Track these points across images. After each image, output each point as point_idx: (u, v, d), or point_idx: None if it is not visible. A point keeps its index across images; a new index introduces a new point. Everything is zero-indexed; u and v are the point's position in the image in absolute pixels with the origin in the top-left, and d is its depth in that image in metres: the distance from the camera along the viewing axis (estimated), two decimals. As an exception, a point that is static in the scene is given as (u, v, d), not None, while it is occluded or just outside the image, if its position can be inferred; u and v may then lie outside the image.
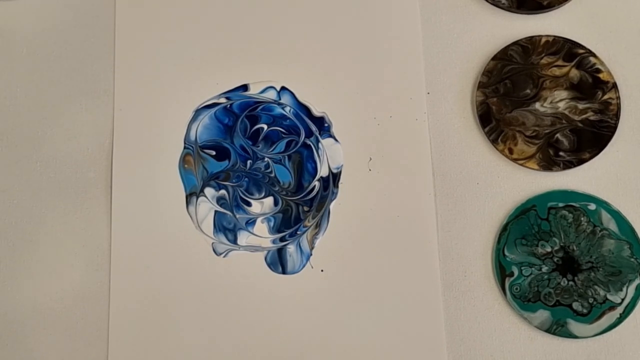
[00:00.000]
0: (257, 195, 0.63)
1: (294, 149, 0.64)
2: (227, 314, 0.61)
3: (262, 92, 0.65)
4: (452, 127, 0.64)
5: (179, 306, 0.61)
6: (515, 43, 0.64)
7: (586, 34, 0.65)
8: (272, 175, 0.63)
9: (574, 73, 0.63)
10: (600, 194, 0.62)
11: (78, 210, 0.64)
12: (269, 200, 0.63)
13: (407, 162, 0.63)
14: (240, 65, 0.65)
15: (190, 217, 0.63)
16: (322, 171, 0.63)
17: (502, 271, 0.60)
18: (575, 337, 0.59)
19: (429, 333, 0.60)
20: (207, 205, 0.63)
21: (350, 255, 0.62)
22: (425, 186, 0.62)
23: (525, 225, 0.61)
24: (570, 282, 0.60)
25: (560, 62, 0.64)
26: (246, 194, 0.63)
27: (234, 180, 0.63)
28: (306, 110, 0.64)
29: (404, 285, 0.61)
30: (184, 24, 0.67)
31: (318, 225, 0.62)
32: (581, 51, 0.64)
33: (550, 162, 0.62)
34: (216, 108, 0.65)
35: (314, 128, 0.64)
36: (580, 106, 0.63)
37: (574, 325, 0.59)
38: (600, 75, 0.63)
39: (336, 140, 0.64)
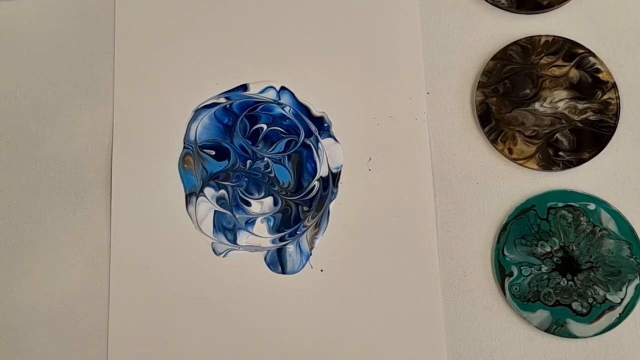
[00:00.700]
0: (256, 195, 0.63)
1: (294, 149, 0.64)
2: (226, 314, 0.61)
3: (262, 92, 0.65)
4: (452, 127, 0.64)
5: (178, 306, 0.61)
6: (515, 43, 0.64)
7: (586, 34, 0.65)
8: (272, 175, 0.63)
9: (574, 73, 0.63)
10: (600, 193, 0.62)
11: (78, 210, 0.64)
12: (269, 200, 0.63)
13: (406, 162, 0.63)
14: (240, 65, 0.65)
15: (190, 217, 0.63)
16: (322, 171, 0.63)
17: (501, 271, 0.60)
18: (575, 337, 0.59)
19: (429, 333, 0.60)
20: (206, 205, 0.63)
21: (350, 255, 0.62)
22: (424, 186, 0.62)
23: (525, 225, 0.61)
24: (570, 282, 0.60)
25: (559, 62, 0.64)
26: (246, 193, 0.63)
27: (233, 180, 0.63)
28: (306, 110, 0.64)
29: (403, 285, 0.61)
30: (184, 24, 0.67)
31: (318, 225, 0.62)
32: (581, 51, 0.64)
33: (549, 162, 0.62)
34: (216, 108, 0.65)
35: (313, 128, 0.64)
36: (580, 106, 0.63)
37: (573, 325, 0.59)
38: (600, 75, 0.63)
39: (336, 140, 0.64)
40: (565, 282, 0.60)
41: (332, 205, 0.63)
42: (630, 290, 0.59)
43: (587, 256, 0.60)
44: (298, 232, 0.62)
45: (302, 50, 0.66)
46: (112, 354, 0.61)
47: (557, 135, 0.62)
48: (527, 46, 0.64)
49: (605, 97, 0.63)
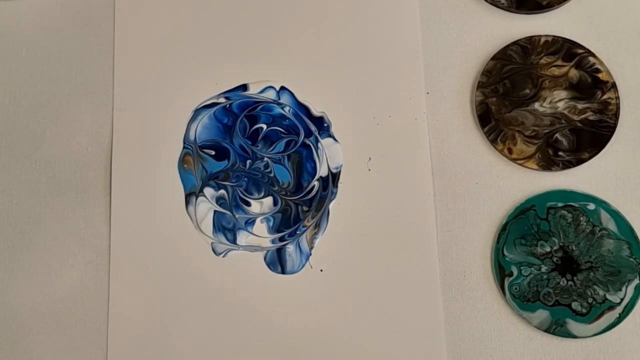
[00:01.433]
0: (256, 195, 0.63)
1: (294, 149, 0.64)
2: (226, 314, 0.61)
3: (262, 92, 0.65)
4: (452, 127, 0.64)
5: (178, 306, 0.61)
6: (515, 43, 0.64)
7: (585, 33, 0.65)
8: (272, 175, 0.63)
9: (573, 73, 0.63)
10: (600, 193, 0.62)
11: (77, 210, 0.64)
12: (269, 200, 0.63)
13: (406, 162, 0.63)
14: (240, 65, 0.65)
15: (190, 217, 0.63)
16: (322, 171, 0.63)
17: (501, 271, 0.60)
18: (575, 337, 0.59)
19: (429, 333, 0.60)
20: (206, 205, 0.63)
21: (349, 255, 0.62)
22: (424, 186, 0.62)
23: (525, 225, 0.61)
24: (570, 282, 0.60)
25: (559, 62, 0.64)
26: (245, 193, 0.63)
27: (233, 180, 0.63)
28: (305, 110, 0.64)
29: (403, 285, 0.61)
30: (183, 24, 0.67)
31: (317, 225, 0.62)
32: (580, 51, 0.64)
33: (549, 162, 0.62)
34: (215, 108, 0.65)
35: (313, 128, 0.64)
36: (580, 106, 0.63)
37: (573, 325, 0.59)
38: (600, 75, 0.63)
39: (335, 140, 0.64)
40: (565, 282, 0.60)
41: (331, 205, 0.63)
42: (630, 290, 0.59)
43: (587, 256, 0.60)
44: (298, 232, 0.62)
45: (301, 50, 0.66)
46: (112, 354, 0.61)
47: (557, 135, 0.62)
48: (526, 46, 0.64)
49: (605, 97, 0.63)
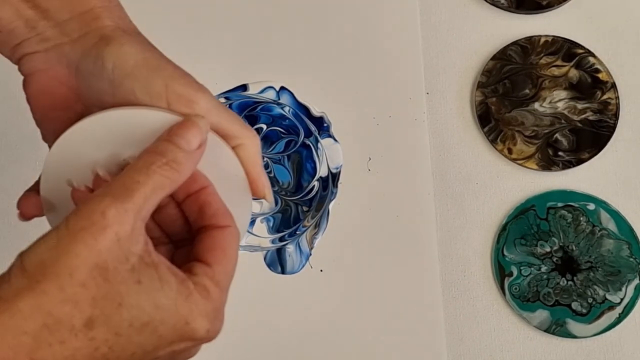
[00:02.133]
0: (256, 195, 0.63)
1: (293, 149, 0.64)
2: (226, 314, 0.61)
3: (261, 92, 0.65)
4: (452, 127, 0.64)
5: (178, 306, 0.61)
6: (515, 43, 0.64)
7: (585, 34, 0.65)
8: (272, 175, 0.63)
9: (573, 73, 0.63)
10: (599, 193, 0.62)
11: (77, 210, 0.64)
12: (268, 200, 0.63)
13: (406, 162, 0.63)
14: (240, 65, 0.65)
15: (190, 217, 0.63)
16: (322, 171, 0.63)
17: (501, 271, 0.60)
18: (575, 337, 0.59)
19: (429, 333, 0.60)
20: (206, 205, 0.63)
21: (349, 255, 0.62)
22: (424, 186, 0.62)
23: (525, 225, 0.61)
24: (570, 282, 0.60)
25: (559, 62, 0.64)
26: (245, 194, 0.63)
27: (233, 180, 0.63)
28: (305, 110, 0.64)
29: (403, 285, 0.61)
30: (183, 24, 0.67)
31: (317, 225, 0.62)
32: (580, 51, 0.64)
33: (549, 162, 0.62)
34: (215, 108, 0.65)
35: (313, 128, 0.64)
36: (579, 106, 0.63)
37: (573, 325, 0.59)
38: (599, 75, 0.63)
39: (335, 140, 0.64)
40: (565, 282, 0.60)
41: (331, 206, 0.63)
42: (630, 290, 0.59)
43: (587, 256, 0.60)
44: (298, 232, 0.62)
45: (301, 50, 0.66)
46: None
47: (557, 135, 0.62)
48: (526, 46, 0.64)
49: (604, 97, 0.63)
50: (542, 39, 0.64)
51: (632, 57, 0.64)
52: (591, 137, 0.62)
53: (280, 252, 0.62)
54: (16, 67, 0.41)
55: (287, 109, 0.64)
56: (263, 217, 0.63)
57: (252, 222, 0.63)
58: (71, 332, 0.31)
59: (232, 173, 0.38)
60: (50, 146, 0.38)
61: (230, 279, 0.37)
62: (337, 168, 0.63)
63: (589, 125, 0.62)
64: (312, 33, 0.66)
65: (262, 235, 0.62)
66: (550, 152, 0.62)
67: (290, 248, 0.62)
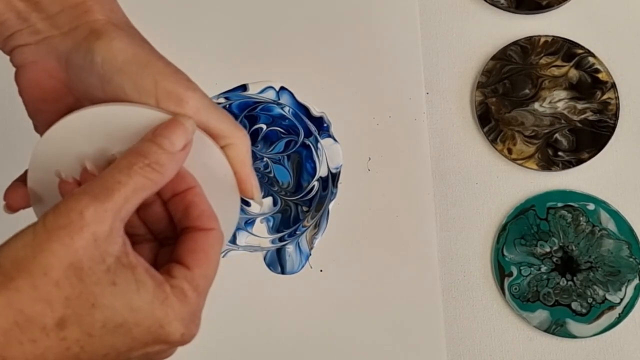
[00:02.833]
0: (256, 195, 0.63)
1: (293, 149, 0.64)
2: (225, 315, 0.61)
3: (261, 92, 0.65)
4: (451, 127, 0.64)
5: (178, 306, 0.61)
6: (514, 43, 0.64)
7: (585, 34, 0.65)
8: (271, 175, 0.63)
9: (573, 73, 0.63)
10: (599, 194, 0.62)
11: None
12: (268, 200, 0.63)
13: (406, 162, 0.63)
14: (239, 65, 0.65)
15: (190, 217, 0.63)
16: (321, 171, 0.63)
17: (501, 271, 0.60)
18: (574, 337, 0.59)
19: (428, 333, 0.60)
20: (206, 206, 0.63)
21: (349, 256, 0.62)
22: (424, 186, 0.62)
23: (524, 225, 0.61)
24: (569, 282, 0.60)
25: (559, 62, 0.64)
26: (245, 194, 0.63)
27: (233, 181, 0.63)
28: (305, 110, 0.64)
29: (403, 285, 0.61)
30: (183, 24, 0.67)
31: (317, 225, 0.62)
32: (580, 51, 0.64)
33: (549, 162, 0.62)
34: (215, 108, 0.64)
35: (313, 128, 0.64)
36: (579, 106, 0.63)
37: (573, 325, 0.59)
38: (599, 75, 0.63)
39: (335, 140, 0.64)
40: (565, 282, 0.60)
41: (331, 206, 0.63)
42: (630, 290, 0.59)
43: (587, 256, 0.60)
44: (297, 232, 0.62)
45: (301, 50, 0.66)
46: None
47: (557, 135, 0.62)
48: (526, 46, 0.64)
49: (604, 97, 0.63)
50: (542, 39, 0.64)
51: (632, 57, 0.64)
52: (591, 137, 0.62)
53: (280, 252, 0.62)
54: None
55: (287, 109, 0.64)
56: (263, 217, 0.63)
57: (252, 222, 0.63)
58: (42, 331, 0.31)
59: (221, 173, 0.37)
60: None
61: (209, 283, 0.36)
62: (337, 168, 0.63)
63: (589, 125, 0.62)
64: (312, 33, 0.66)
65: (262, 236, 0.62)
66: (550, 152, 0.62)
67: (290, 248, 0.62)
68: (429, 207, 0.62)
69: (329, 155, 0.64)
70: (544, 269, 0.60)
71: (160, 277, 0.34)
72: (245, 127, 0.64)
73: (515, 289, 0.60)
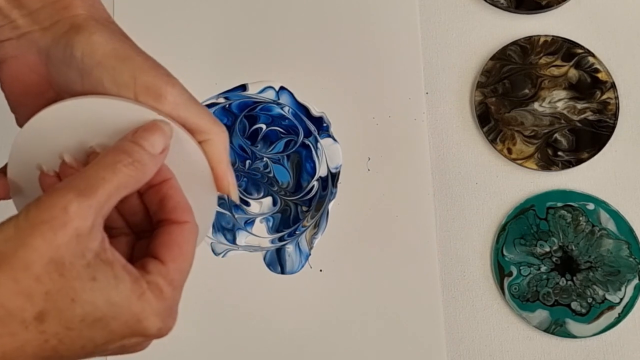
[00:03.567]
0: (255, 195, 0.63)
1: (293, 149, 0.64)
2: (225, 314, 0.61)
3: (261, 92, 0.65)
4: (451, 127, 0.64)
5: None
6: (514, 43, 0.64)
7: (585, 33, 0.65)
8: (271, 175, 0.63)
9: (573, 73, 0.63)
10: (599, 193, 0.62)
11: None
12: (268, 200, 0.63)
13: (405, 162, 0.63)
14: (239, 65, 0.65)
15: (189, 217, 0.63)
16: (321, 171, 0.63)
17: (500, 271, 0.60)
18: (574, 336, 0.59)
19: (428, 333, 0.60)
20: (206, 205, 0.63)
21: (349, 255, 0.62)
22: (424, 186, 0.62)
23: (524, 225, 0.61)
24: (569, 282, 0.60)
25: (558, 62, 0.64)
26: (245, 193, 0.63)
27: (232, 180, 0.63)
28: (305, 110, 0.64)
29: (403, 285, 0.61)
30: (183, 24, 0.67)
31: (317, 225, 0.62)
32: (579, 51, 0.64)
33: (548, 161, 0.62)
34: (215, 108, 0.65)
35: (312, 128, 0.64)
36: (579, 106, 0.63)
37: (572, 325, 0.59)
38: (599, 75, 0.63)
39: (335, 140, 0.64)
40: (565, 282, 0.60)
41: (331, 205, 0.63)
42: (630, 290, 0.59)
43: (586, 256, 0.60)
44: (297, 232, 0.62)
45: (301, 50, 0.66)
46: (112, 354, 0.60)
47: (556, 135, 0.62)
48: (526, 46, 0.64)
49: (604, 97, 0.63)
50: (542, 39, 0.64)
51: (632, 57, 0.65)
52: (591, 137, 0.62)
53: (279, 252, 0.62)
54: None
55: (286, 109, 0.64)
56: (262, 217, 0.63)
57: (252, 222, 0.63)
58: (22, 324, 0.31)
59: (198, 168, 0.38)
60: None
61: (185, 277, 0.37)
62: (336, 168, 0.63)
63: (589, 125, 0.62)
64: (311, 33, 0.66)
65: (262, 235, 0.62)
66: (550, 152, 0.62)
67: (290, 248, 0.62)
68: (429, 207, 0.62)
69: (329, 155, 0.64)
70: (543, 268, 0.60)
71: (136, 273, 0.34)
72: (244, 127, 0.64)
73: (515, 288, 0.60)
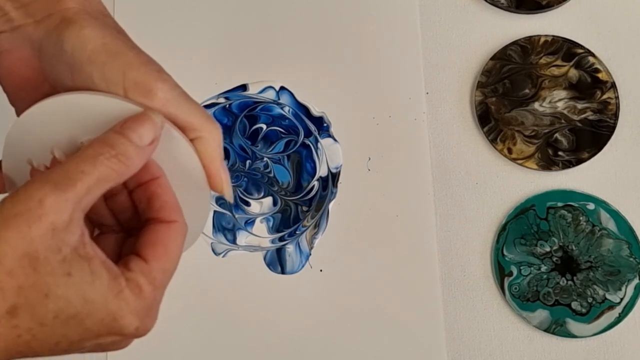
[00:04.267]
0: (256, 195, 0.63)
1: (293, 149, 0.64)
2: (226, 314, 0.61)
3: (261, 92, 0.65)
4: (451, 126, 0.64)
5: (177, 306, 0.61)
6: (514, 43, 0.64)
7: (585, 33, 0.65)
8: (271, 175, 0.63)
9: (573, 73, 0.63)
10: (599, 193, 0.62)
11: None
12: (268, 200, 0.63)
13: (406, 162, 0.63)
14: (239, 65, 0.65)
15: (190, 217, 0.63)
16: (321, 171, 0.63)
17: (501, 271, 0.60)
18: (574, 336, 0.59)
19: (429, 332, 0.60)
20: (206, 205, 0.63)
21: (349, 255, 0.62)
22: (424, 186, 0.62)
23: (524, 225, 0.61)
24: (569, 282, 0.60)
25: (559, 62, 0.64)
26: (245, 193, 0.63)
27: (233, 180, 0.63)
28: (305, 110, 0.64)
29: (403, 284, 0.61)
30: (183, 24, 0.67)
31: (317, 225, 0.62)
32: (580, 51, 0.64)
33: (549, 161, 0.62)
34: (215, 108, 0.65)
35: (313, 128, 0.64)
36: (579, 106, 0.63)
37: (572, 325, 0.59)
38: (599, 75, 0.63)
39: (335, 140, 0.64)
40: (565, 281, 0.60)
41: (331, 205, 0.63)
42: (630, 289, 0.59)
43: (587, 256, 0.60)
44: (297, 232, 0.62)
45: (301, 50, 0.66)
46: (112, 353, 0.60)
47: (557, 135, 0.62)
48: (526, 46, 0.64)
49: (604, 96, 0.63)
50: (542, 39, 0.64)
51: (632, 57, 0.65)
52: (591, 136, 0.62)
53: (280, 252, 0.62)
54: None
55: (286, 108, 0.64)
56: (263, 217, 0.63)
57: (252, 222, 0.63)
58: None
59: (190, 167, 0.37)
60: None
61: (168, 277, 0.35)
62: (336, 168, 0.63)
63: (589, 125, 0.62)
64: (312, 33, 0.66)
65: (262, 235, 0.62)
66: (550, 151, 0.62)
67: (290, 248, 0.62)
68: (429, 207, 0.62)
69: (329, 155, 0.64)
70: (544, 268, 0.60)
71: (116, 270, 0.33)
72: (245, 127, 0.64)
73: (515, 288, 0.60)
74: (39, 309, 0.31)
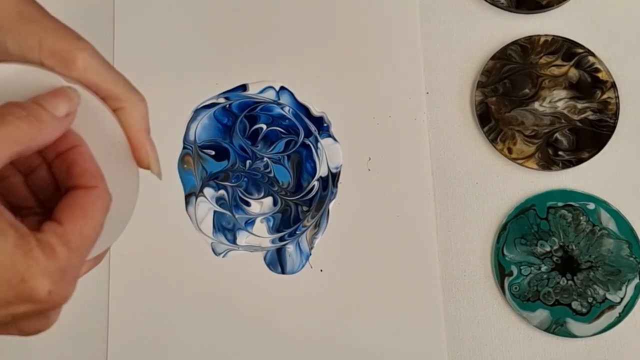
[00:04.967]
0: (256, 195, 0.63)
1: (293, 149, 0.64)
2: (226, 314, 0.61)
3: (261, 92, 0.65)
4: (451, 126, 0.64)
5: (178, 306, 0.61)
6: (514, 42, 0.64)
7: (585, 33, 0.65)
8: (272, 175, 0.63)
9: (573, 72, 0.63)
10: (599, 193, 0.62)
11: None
12: (268, 200, 0.63)
13: (406, 162, 0.63)
14: (239, 65, 0.65)
15: (190, 217, 0.63)
16: (321, 171, 0.63)
17: (501, 270, 0.60)
18: (575, 336, 0.59)
19: (429, 332, 0.60)
20: (206, 206, 0.63)
21: (349, 255, 0.62)
22: (424, 186, 0.62)
23: (525, 225, 0.61)
24: (570, 282, 0.60)
25: (559, 62, 0.64)
26: (245, 194, 0.63)
27: (233, 181, 0.63)
28: (305, 110, 0.64)
29: (403, 284, 0.61)
30: (183, 24, 0.67)
31: (317, 225, 0.62)
32: (580, 51, 0.64)
33: (549, 161, 0.62)
34: (215, 108, 0.65)
35: (313, 128, 0.64)
36: (579, 105, 0.63)
37: (573, 325, 0.59)
38: (599, 75, 0.63)
39: (335, 140, 0.64)
40: (565, 281, 0.60)
41: (331, 205, 0.63)
42: (630, 289, 0.59)
43: (587, 256, 0.60)
44: (298, 232, 0.62)
45: (301, 50, 0.66)
46: (112, 354, 0.61)
47: (557, 134, 0.62)
48: (526, 46, 0.64)
49: (604, 96, 0.63)
50: (542, 39, 0.64)
51: (632, 57, 0.64)
52: (591, 136, 0.62)
53: (280, 252, 0.62)
54: None
55: (287, 109, 0.64)
56: (263, 217, 0.63)
57: (252, 222, 0.63)
58: None
59: (114, 139, 0.35)
60: None
61: (86, 241, 0.33)
62: (337, 168, 0.63)
63: (589, 124, 0.62)
64: (312, 33, 0.66)
65: (262, 235, 0.62)
66: (550, 151, 0.62)
67: (290, 248, 0.62)
68: (429, 206, 0.62)
69: (329, 155, 0.64)
70: (544, 268, 0.60)
71: (25, 230, 0.31)
72: (245, 127, 0.64)
73: (516, 288, 0.60)
74: None
